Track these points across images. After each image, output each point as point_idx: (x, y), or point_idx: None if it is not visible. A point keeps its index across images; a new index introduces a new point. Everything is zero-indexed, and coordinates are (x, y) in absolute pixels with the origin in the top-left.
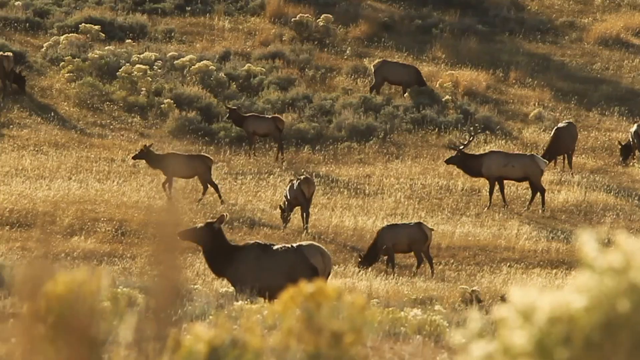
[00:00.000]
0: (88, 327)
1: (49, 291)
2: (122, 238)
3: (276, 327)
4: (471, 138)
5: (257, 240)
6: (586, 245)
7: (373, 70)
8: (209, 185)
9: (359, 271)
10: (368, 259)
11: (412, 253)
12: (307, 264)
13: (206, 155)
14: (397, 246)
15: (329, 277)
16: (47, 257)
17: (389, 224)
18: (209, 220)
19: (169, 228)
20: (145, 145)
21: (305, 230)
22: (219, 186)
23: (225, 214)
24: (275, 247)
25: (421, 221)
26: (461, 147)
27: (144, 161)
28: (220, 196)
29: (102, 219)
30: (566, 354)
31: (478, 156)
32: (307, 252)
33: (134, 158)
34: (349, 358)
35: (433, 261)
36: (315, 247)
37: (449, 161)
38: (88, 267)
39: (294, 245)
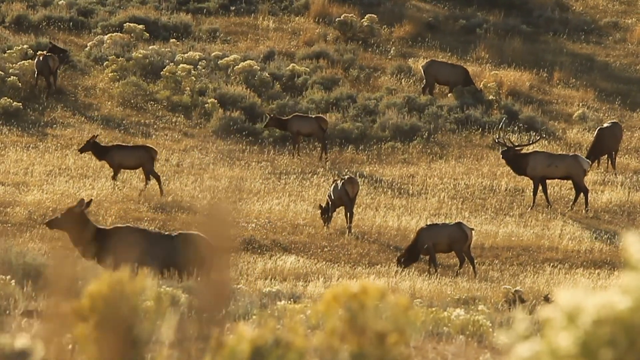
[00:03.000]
0: (131, 327)
1: (92, 290)
2: None
3: (319, 327)
4: (533, 141)
5: (128, 224)
6: (631, 246)
7: (422, 71)
8: (151, 177)
9: (402, 271)
10: (409, 259)
11: (454, 253)
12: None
13: (150, 146)
14: (437, 246)
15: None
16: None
17: (428, 223)
18: (69, 206)
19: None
20: (92, 136)
21: (348, 230)
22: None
23: (84, 198)
24: (153, 233)
25: (461, 221)
26: (515, 145)
27: (186, 162)
28: (161, 188)
29: (145, 218)
30: (611, 355)
31: (524, 155)
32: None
33: (80, 150)
34: (392, 358)
35: (476, 261)
36: (202, 238)
37: (504, 153)
38: (131, 266)
39: (181, 233)
